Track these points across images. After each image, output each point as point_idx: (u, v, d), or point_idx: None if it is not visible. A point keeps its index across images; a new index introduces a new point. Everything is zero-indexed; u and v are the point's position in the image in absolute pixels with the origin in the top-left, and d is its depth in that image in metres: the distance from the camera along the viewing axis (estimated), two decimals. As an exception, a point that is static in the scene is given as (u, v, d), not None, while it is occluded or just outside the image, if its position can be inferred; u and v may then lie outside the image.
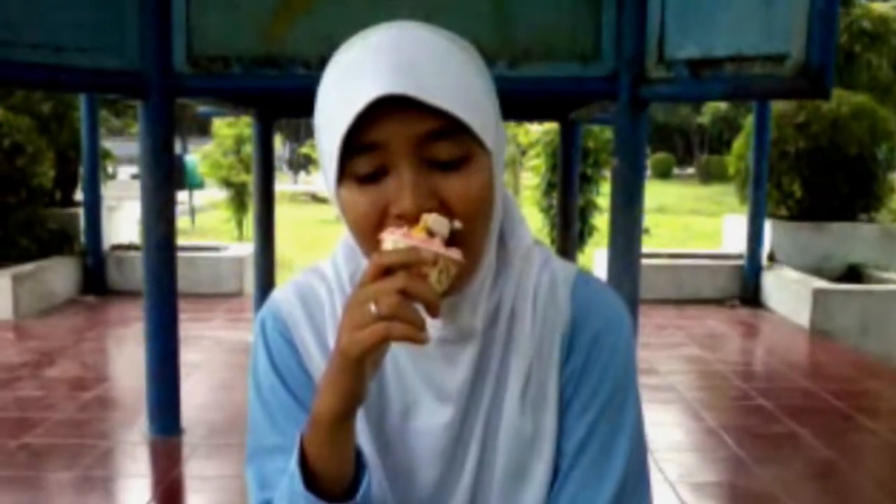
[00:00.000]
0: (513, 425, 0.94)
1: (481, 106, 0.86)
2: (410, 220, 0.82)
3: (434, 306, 0.78)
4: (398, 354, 0.95)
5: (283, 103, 5.58)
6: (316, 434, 0.86)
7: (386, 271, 0.78)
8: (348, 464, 0.89)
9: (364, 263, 0.96)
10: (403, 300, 0.76)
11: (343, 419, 0.85)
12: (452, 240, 0.83)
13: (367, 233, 0.85)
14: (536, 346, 0.95)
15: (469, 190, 0.84)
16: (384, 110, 0.80)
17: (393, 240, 0.80)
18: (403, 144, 0.82)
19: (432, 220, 0.81)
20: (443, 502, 0.97)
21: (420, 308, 0.78)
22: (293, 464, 0.87)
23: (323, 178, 0.92)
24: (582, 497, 0.94)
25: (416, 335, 0.77)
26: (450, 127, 0.82)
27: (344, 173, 0.85)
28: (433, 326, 0.90)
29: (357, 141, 0.82)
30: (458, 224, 0.83)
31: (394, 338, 0.77)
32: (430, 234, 0.80)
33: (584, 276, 1.01)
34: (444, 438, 0.95)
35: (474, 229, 0.86)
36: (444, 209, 0.83)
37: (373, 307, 0.77)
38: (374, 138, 0.82)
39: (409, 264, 0.78)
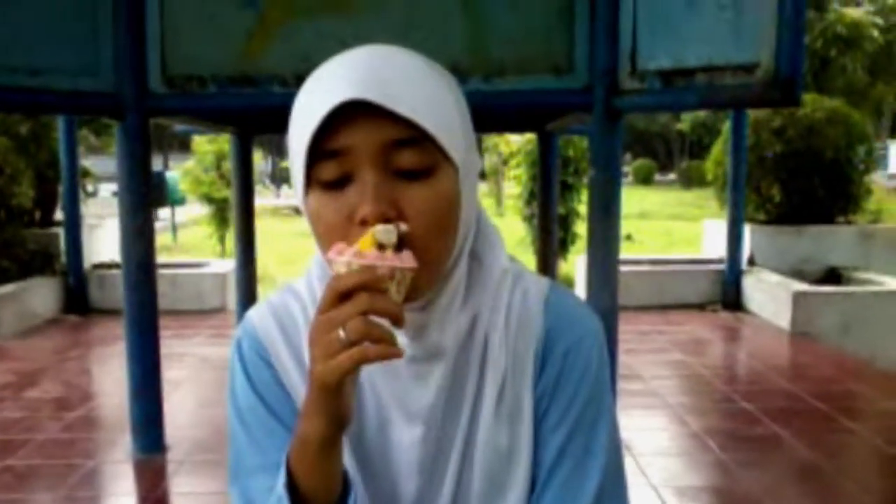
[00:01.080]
0: (489, 439, 0.95)
1: (449, 120, 0.87)
2: (372, 226, 0.83)
3: (399, 318, 0.79)
4: (372, 370, 0.96)
5: (260, 120, 5.59)
6: (304, 457, 0.87)
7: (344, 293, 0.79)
8: (336, 484, 0.89)
9: (327, 273, 0.97)
10: (369, 320, 0.77)
11: (332, 442, 0.86)
12: (403, 244, 0.83)
13: (332, 240, 0.86)
14: (510, 361, 0.96)
15: (430, 200, 0.85)
16: (351, 118, 0.82)
17: (345, 261, 0.80)
18: (368, 151, 0.83)
19: (380, 231, 0.81)
20: None
21: (384, 321, 0.79)
22: (280, 486, 0.88)
23: (293, 188, 0.93)
24: None
25: (392, 352, 0.78)
26: (415, 137, 0.83)
27: (311, 181, 0.87)
28: (402, 345, 0.91)
29: (323, 147, 0.84)
30: (403, 227, 0.83)
31: (370, 360, 0.78)
32: (381, 246, 0.81)
33: (557, 291, 1.02)
34: (420, 454, 0.96)
35: (432, 241, 0.87)
36: (404, 218, 0.84)
37: (341, 333, 0.77)
38: (340, 145, 0.83)
39: (368, 285, 0.78)
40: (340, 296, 0.78)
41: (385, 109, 0.81)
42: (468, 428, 0.96)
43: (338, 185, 0.85)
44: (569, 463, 0.95)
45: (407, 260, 0.81)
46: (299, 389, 0.97)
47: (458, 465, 0.96)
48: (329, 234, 0.87)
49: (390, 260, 0.80)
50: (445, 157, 0.86)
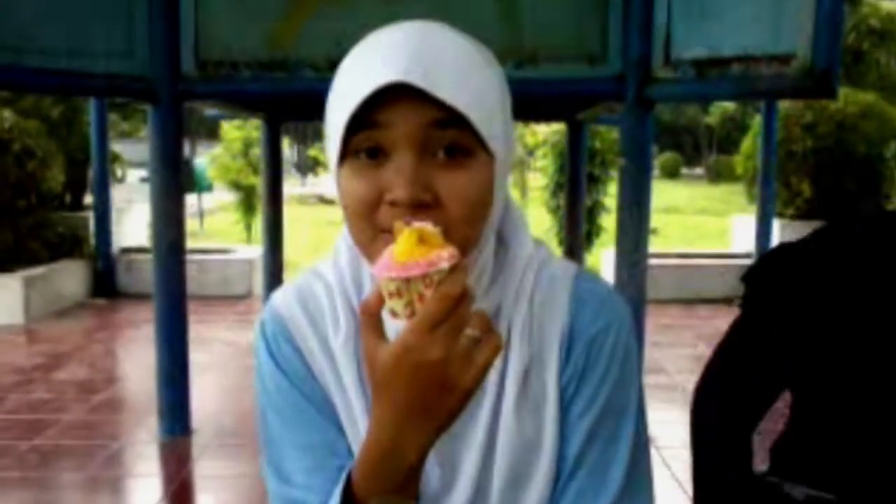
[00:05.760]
0: (513, 429, 0.93)
1: (489, 108, 0.85)
2: (404, 207, 0.82)
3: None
4: None
5: (292, 106, 5.60)
6: (391, 481, 0.84)
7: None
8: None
9: (356, 255, 0.96)
10: (482, 311, 0.79)
11: (426, 456, 0.84)
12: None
13: (361, 215, 0.86)
14: (535, 349, 0.95)
15: (466, 187, 0.85)
16: (392, 98, 0.81)
17: (444, 266, 0.77)
18: (407, 130, 0.83)
19: (435, 231, 0.79)
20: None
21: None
22: None
23: (327, 160, 0.92)
24: (583, 502, 0.93)
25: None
26: (453, 120, 0.82)
27: (346, 154, 0.86)
28: None
29: (361, 121, 0.83)
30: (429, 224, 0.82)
31: (500, 348, 0.79)
32: (421, 240, 0.79)
33: (585, 277, 1.00)
34: (441, 444, 0.91)
35: (464, 227, 0.86)
36: (440, 202, 0.84)
37: (470, 332, 0.77)
38: (380, 119, 0.83)
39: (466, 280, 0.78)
40: (458, 300, 0.77)
41: (427, 93, 0.80)
42: (491, 417, 0.94)
43: (372, 156, 0.85)
44: (596, 450, 0.94)
45: (455, 251, 0.80)
46: (325, 372, 0.96)
47: (480, 455, 0.94)
48: (357, 209, 0.86)
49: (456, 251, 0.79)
50: (483, 145, 0.85)
